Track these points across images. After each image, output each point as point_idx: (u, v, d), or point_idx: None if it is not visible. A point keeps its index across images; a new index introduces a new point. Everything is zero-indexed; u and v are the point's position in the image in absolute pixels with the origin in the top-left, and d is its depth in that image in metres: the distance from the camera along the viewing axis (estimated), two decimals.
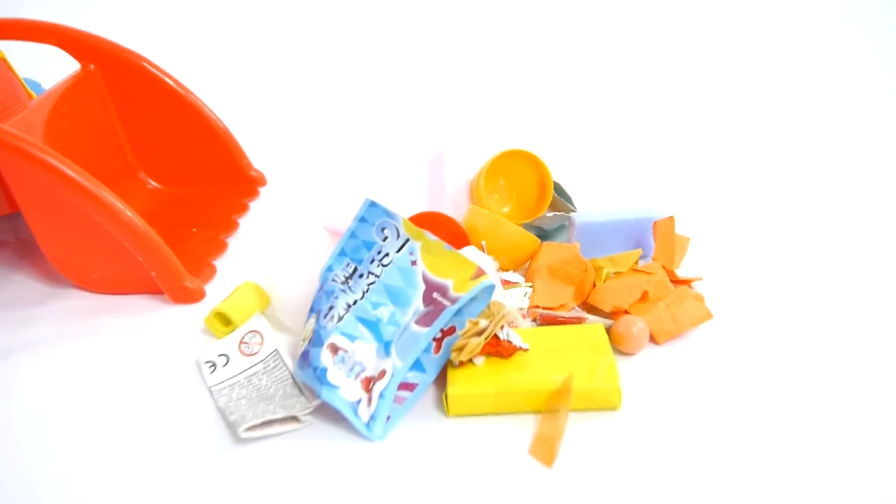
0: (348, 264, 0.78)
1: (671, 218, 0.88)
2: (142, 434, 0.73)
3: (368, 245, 0.78)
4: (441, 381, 0.76)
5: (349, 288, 0.77)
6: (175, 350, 0.82)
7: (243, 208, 1.10)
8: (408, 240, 0.77)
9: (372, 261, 0.77)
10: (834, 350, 0.79)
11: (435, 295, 0.75)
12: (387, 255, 0.77)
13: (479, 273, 0.74)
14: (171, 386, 0.78)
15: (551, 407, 0.71)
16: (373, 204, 0.78)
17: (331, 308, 0.75)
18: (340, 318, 0.74)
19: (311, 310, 0.78)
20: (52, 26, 1.07)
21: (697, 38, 1.61)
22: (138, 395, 0.77)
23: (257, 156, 1.18)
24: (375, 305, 0.75)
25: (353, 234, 0.79)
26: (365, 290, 0.76)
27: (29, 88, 1.06)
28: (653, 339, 0.80)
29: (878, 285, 0.89)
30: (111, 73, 1.08)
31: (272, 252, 0.88)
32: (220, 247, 1.00)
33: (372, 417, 0.72)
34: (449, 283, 0.75)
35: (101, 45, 1.08)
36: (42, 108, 0.98)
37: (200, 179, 1.13)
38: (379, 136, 1.28)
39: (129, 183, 1.09)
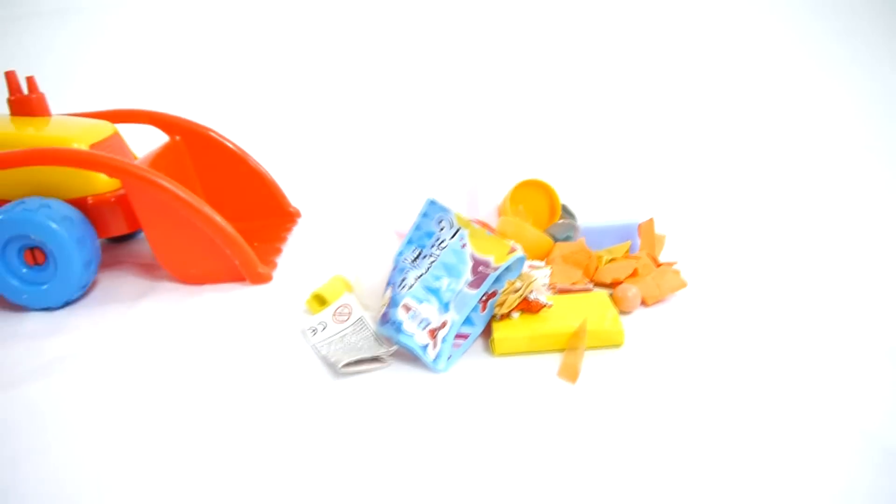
0: (414, 249, 1.04)
1: (651, 219, 1.15)
2: (265, 374, 0.96)
3: (429, 234, 1.04)
4: (486, 333, 1.01)
5: (416, 265, 1.02)
6: (263, 316, 1.10)
7: (288, 230, 1.44)
8: (459, 229, 1.03)
9: (432, 245, 1.03)
10: (773, 308, 1.05)
11: (480, 268, 1.01)
12: (443, 240, 1.03)
13: (513, 250, 1.01)
14: (277, 342, 1.02)
15: (572, 344, 0.96)
16: (433, 202, 1.04)
17: (403, 280, 1.01)
18: (411, 287, 0.99)
19: (388, 283, 1.03)
20: (150, 112, 1.45)
21: (668, 74, 2.04)
22: (256, 349, 1.01)
23: (293, 195, 1.54)
24: (436, 277, 1.01)
25: (417, 227, 1.05)
26: (428, 267, 1.02)
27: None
28: (643, 302, 1.06)
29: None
30: (190, 141, 1.45)
31: (356, 251, 1.15)
32: (277, 251, 1.33)
33: (437, 356, 0.96)
34: (490, 258, 1.01)
35: (182, 122, 1.45)
36: (143, 163, 1.28)
37: (254, 215, 1.45)
38: (418, 177, 1.61)
39: None
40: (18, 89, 1.28)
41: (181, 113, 1.45)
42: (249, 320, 1.09)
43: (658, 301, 1.06)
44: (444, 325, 0.97)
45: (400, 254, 1.04)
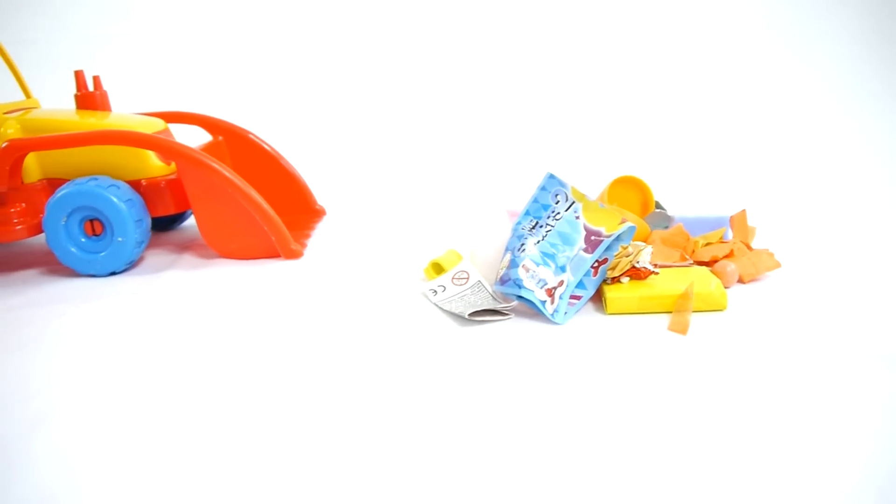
0: (531, 220, 1.14)
1: (744, 211, 1.25)
2: (396, 329, 1.05)
3: (545, 207, 1.14)
4: (597, 297, 1.10)
5: (533, 234, 1.12)
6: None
7: (314, 223, 1.61)
8: (573, 202, 1.13)
9: (548, 217, 1.13)
10: (867, 286, 1.12)
11: (592, 237, 1.10)
12: (559, 212, 1.13)
13: (624, 221, 1.10)
14: (380, 302, 1.13)
15: (680, 304, 1.04)
16: (552, 176, 1.15)
17: (522, 245, 1.10)
18: (529, 251, 1.09)
19: (506, 249, 1.13)
20: (197, 115, 1.65)
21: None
22: (367, 309, 1.11)
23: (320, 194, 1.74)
24: (552, 245, 1.10)
25: (535, 200, 1.15)
26: (544, 235, 1.11)
27: None
28: (740, 279, 1.14)
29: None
30: (230, 140, 1.65)
31: (472, 228, 1.25)
32: (306, 236, 1.49)
33: (555, 310, 1.04)
34: (602, 228, 1.10)
35: (224, 124, 1.65)
36: None
37: (283, 210, 1.55)
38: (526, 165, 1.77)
39: None
40: (85, 86, 1.46)
41: (224, 115, 1.69)
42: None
43: (753, 279, 1.14)
44: (560, 283, 1.07)
45: (518, 223, 1.15)
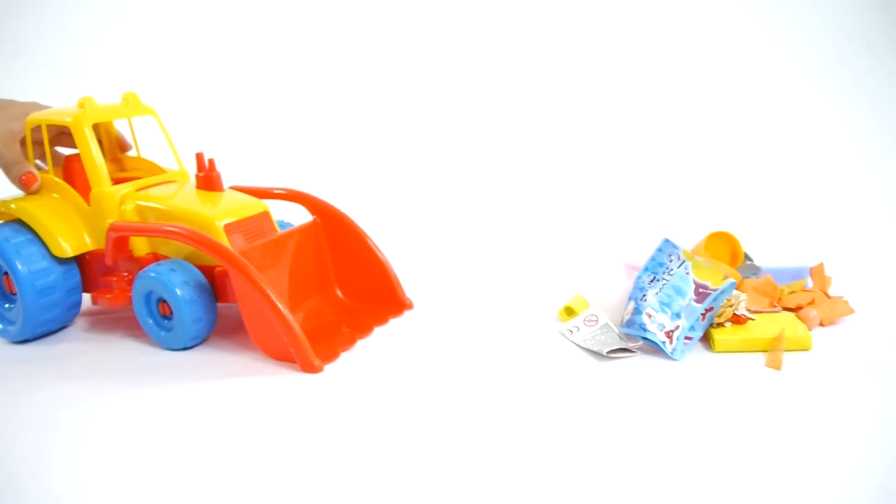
0: (650, 274, 1.42)
1: (822, 263, 1.51)
2: (540, 362, 1.35)
3: (661, 265, 1.42)
4: (704, 338, 1.38)
5: (651, 286, 1.40)
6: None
7: (385, 321, 1.58)
8: (684, 261, 1.40)
9: (664, 273, 1.41)
10: None
11: (700, 289, 1.38)
12: (672, 269, 1.41)
13: (727, 276, 1.38)
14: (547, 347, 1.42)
15: (774, 345, 1.30)
16: (667, 240, 1.42)
17: (643, 296, 1.38)
18: (649, 301, 1.37)
19: (630, 298, 1.41)
20: (302, 194, 1.67)
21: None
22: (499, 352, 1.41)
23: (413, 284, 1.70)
24: (668, 295, 1.38)
25: (653, 259, 1.42)
26: (661, 287, 1.39)
27: (278, 226, 1.64)
28: (820, 323, 1.40)
29: None
30: (328, 222, 1.66)
31: (597, 278, 1.54)
32: (352, 342, 1.47)
33: (674, 349, 1.32)
34: (709, 283, 1.38)
35: (324, 205, 1.65)
36: (287, 238, 1.56)
37: (367, 298, 1.64)
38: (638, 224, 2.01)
39: (327, 293, 1.64)
40: (204, 167, 1.57)
41: (330, 191, 1.72)
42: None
43: (832, 322, 1.41)
44: (677, 327, 1.34)
45: (639, 277, 1.43)
